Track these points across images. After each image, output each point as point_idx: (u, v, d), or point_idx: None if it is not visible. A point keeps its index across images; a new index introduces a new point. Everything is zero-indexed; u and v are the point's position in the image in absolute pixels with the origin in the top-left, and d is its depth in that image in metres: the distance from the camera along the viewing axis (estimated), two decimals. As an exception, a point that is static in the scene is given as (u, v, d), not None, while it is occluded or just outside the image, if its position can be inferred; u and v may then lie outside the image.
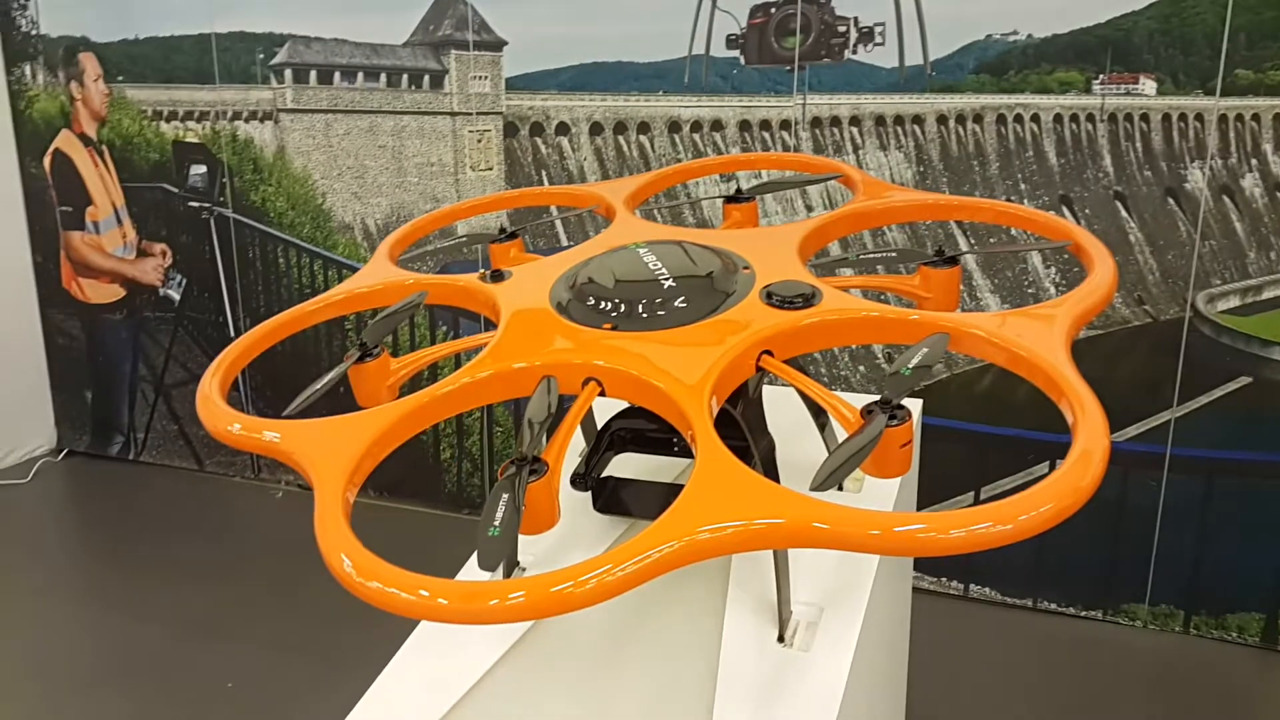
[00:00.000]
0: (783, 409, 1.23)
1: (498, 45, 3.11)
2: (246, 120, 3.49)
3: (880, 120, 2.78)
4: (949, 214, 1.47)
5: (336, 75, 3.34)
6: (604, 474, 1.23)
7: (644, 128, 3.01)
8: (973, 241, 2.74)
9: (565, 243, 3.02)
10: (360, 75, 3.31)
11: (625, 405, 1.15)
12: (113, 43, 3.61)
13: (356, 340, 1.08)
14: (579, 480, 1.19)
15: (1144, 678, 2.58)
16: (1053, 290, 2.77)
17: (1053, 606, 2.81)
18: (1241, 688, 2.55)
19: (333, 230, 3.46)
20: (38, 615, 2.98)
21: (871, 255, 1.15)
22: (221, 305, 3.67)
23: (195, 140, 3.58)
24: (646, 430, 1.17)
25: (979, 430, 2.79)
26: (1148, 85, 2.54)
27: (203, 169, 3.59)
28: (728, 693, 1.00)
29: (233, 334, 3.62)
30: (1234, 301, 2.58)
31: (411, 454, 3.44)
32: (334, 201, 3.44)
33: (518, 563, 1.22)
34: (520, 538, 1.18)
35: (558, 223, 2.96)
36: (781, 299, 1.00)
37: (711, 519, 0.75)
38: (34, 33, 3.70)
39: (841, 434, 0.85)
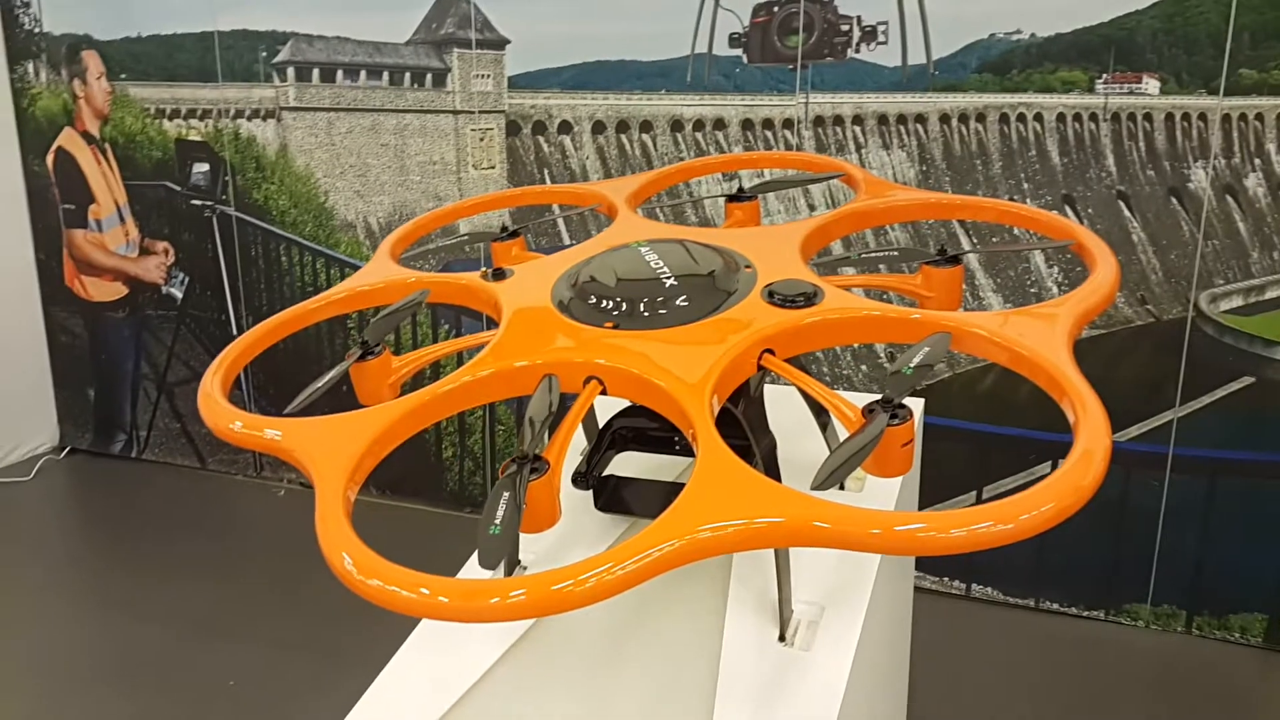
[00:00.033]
0: (785, 408, 1.23)
1: (500, 44, 3.11)
2: (249, 118, 3.49)
3: (883, 119, 2.77)
4: (951, 213, 1.47)
5: (339, 73, 3.34)
6: (605, 472, 1.23)
7: (646, 126, 3.01)
8: (975, 241, 2.74)
9: (568, 241, 3.02)
10: (363, 73, 3.31)
11: (627, 404, 1.15)
12: (115, 40, 3.61)
13: (359, 338, 1.08)
14: (580, 479, 1.19)
15: (1146, 678, 2.58)
16: (1055, 290, 2.77)
17: (1055, 606, 2.81)
18: (1244, 689, 2.54)
19: (335, 229, 3.46)
20: (40, 612, 2.99)
21: (873, 254, 1.15)
22: (224, 303, 3.67)
23: (198, 138, 3.58)
24: (648, 429, 1.17)
25: (981, 430, 2.79)
26: (1151, 85, 2.53)
27: (205, 167, 3.60)
28: (728, 692, 1.00)
29: (235, 332, 3.62)
30: (1237, 301, 2.58)
31: (414, 452, 3.44)
32: (336, 200, 3.44)
33: (519, 561, 1.22)
34: (521, 536, 1.19)
35: (560, 221, 2.96)
36: (783, 298, 1.00)
37: (712, 518, 0.74)
38: (37, 30, 3.71)
39: (843, 433, 0.85)
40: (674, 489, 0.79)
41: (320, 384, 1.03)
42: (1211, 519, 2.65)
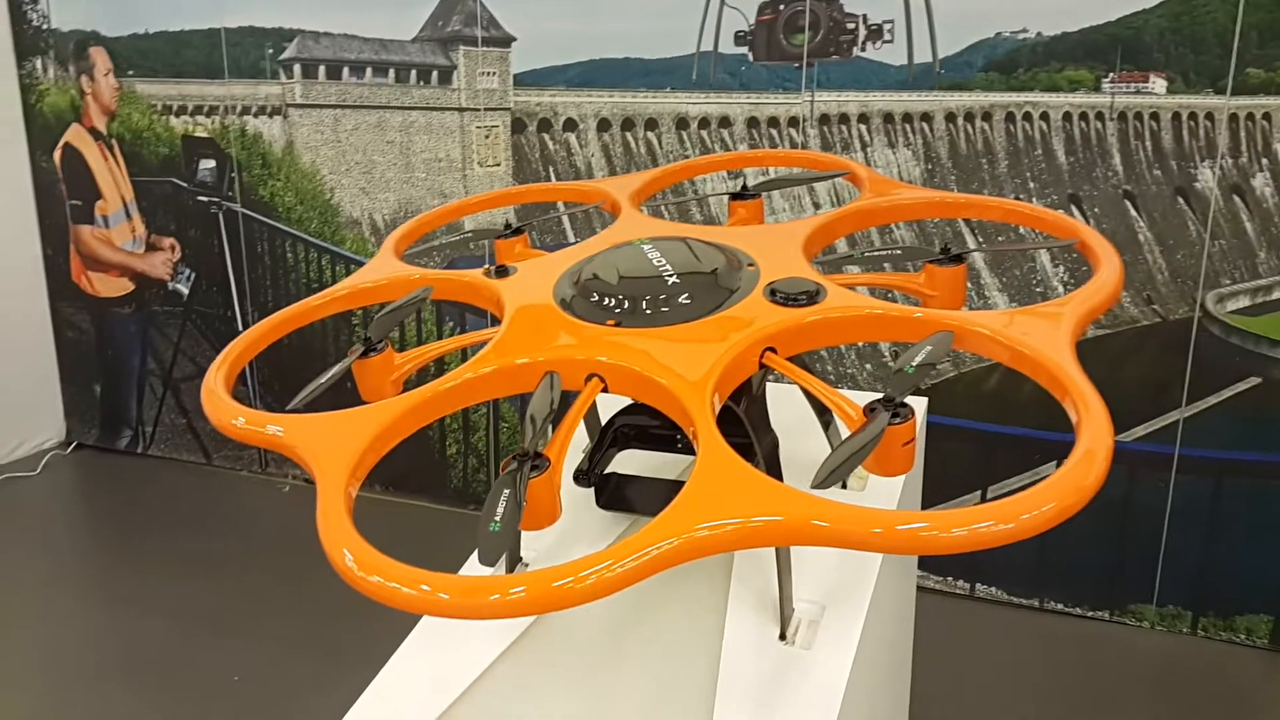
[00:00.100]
0: (788, 406, 1.23)
1: (506, 41, 3.11)
2: (255, 115, 3.50)
3: (889, 118, 2.77)
4: (955, 212, 1.47)
5: (345, 70, 3.34)
6: (607, 470, 1.23)
7: (652, 124, 3.01)
8: (980, 240, 2.73)
9: (572, 239, 3.02)
10: (369, 70, 3.31)
11: (629, 401, 1.15)
12: (123, 37, 3.62)
13: (363, 335, 1.08)
14: (582, 476, 1.19)
15: (1151, 679, 2.57)
16: (1061, 289, 2.76)
17: (1059, 606, 2.80)
18: (1249, 690, 2.53)
19: (340, 225, 3.46)
20: (46, 607, 3.00)
21: (876, 253, 1.14)
22: (230, 299, 3.68)
23: (204, 135, 3.59)
24: (650, 426, 1.17)
25: (986, 429, 2.78)
26: (1158, 84, 2.52)
27: (212, 164, 3.60)
28: (729, 690, 1.00)
29: (240, 328, 3.63)
30: (1244, 301, 2.57)
31: (417, 449, 3.45)
32: (342, 196, 3.44)
33: (520, 558, 1.22)
34: (523, 533, 1.19)
35: (564, 218, 2.96)
36: (785, 296, 1.00)
37: (711, 516, 0.74)
38: (45, 27, 3.72)
39: (845, 432, 0.85)
40: (675, 487, 0.79)
41: (323, 380, 1.03)
42: (1217, 520, 2.65)
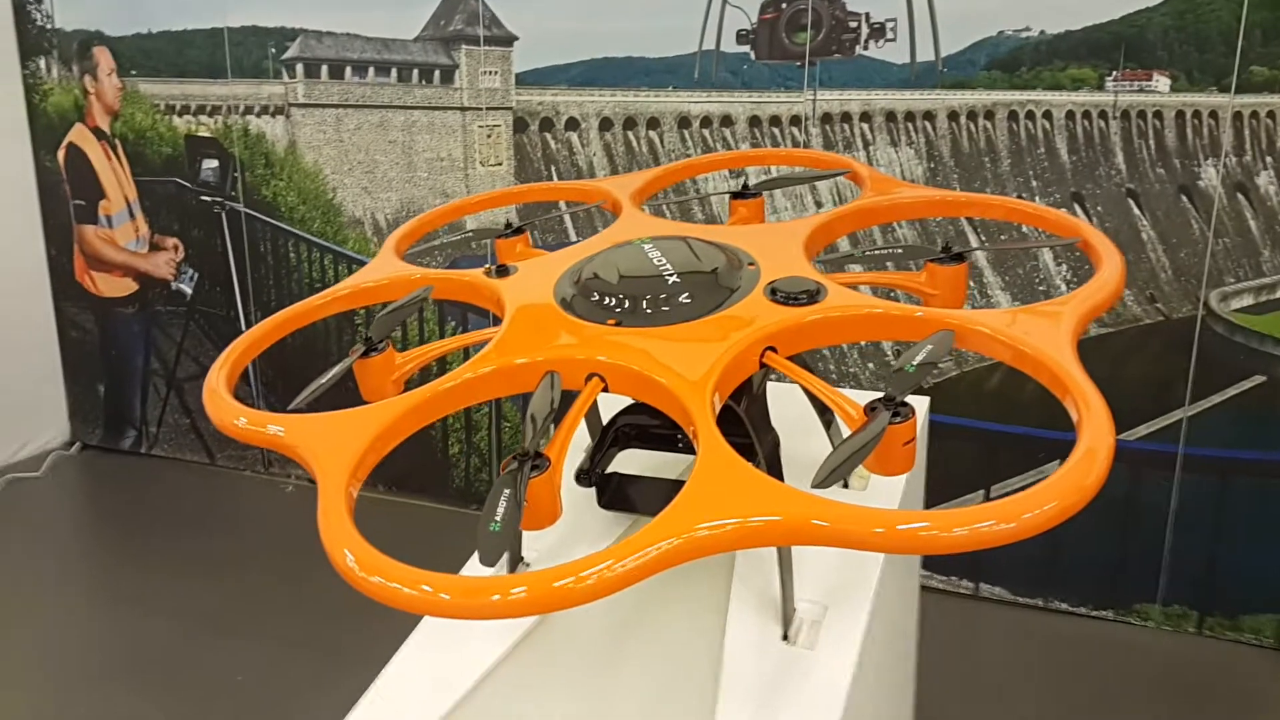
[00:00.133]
0: (790, 405, 1.22)
1: (508, 40, 3.11)
2: (258, 115, 3.50)
3: (891, 116, 2.76)
4: (956, 210, 1.46)
5: (347, 70, 3.35)
6: (608, 470, 1.22)
7: (654, 123, 3.01)
8: (983, 238, 2.73)
9: (574, 238, 3.02)
10: (371, 70, 3.32)
11: (630, 401, 1.14)
12: (126, 37, 3.63)
13: (364, 335, 1.08)
14: (583, 476, 1.19)
15: (1156, 679, 2.57)
16: (1064, 288, 2.76)
17: (1064, 606, 2.80)
18: (1255, 690, 2.53)
19: (343, 225, 3.47)
20: (50, 607, 3.01)
21: (877, 252, 1.14)
22: (233, 299, 3.69)
23: (207, 135, 3.60)
24: (651, 426, 1.17)
25: (989, 428, 2.78)
26: (1161, 82, 2.52)
27: (215, 163, 3.61)
28: (731, 691, 1.00)
29: (244, 328, 3.63)
30: (1248, 300, 2.56)
31: (420, 449, 3.45)
32: (344, 196, 3.45)
33: (522, 558, 1.22)
34: (525, 534, 1.19)
35: (566, 218, 2.96)
36: (786, 295, 1.00)
37: (710, 516, 0.74)
38: (49, 26, 3.72)
39: (847, 431, 0.85)
40: (676, 486, 0.79)
41: (324, 380, 1.03)
42: (1222, 519, 2.64)
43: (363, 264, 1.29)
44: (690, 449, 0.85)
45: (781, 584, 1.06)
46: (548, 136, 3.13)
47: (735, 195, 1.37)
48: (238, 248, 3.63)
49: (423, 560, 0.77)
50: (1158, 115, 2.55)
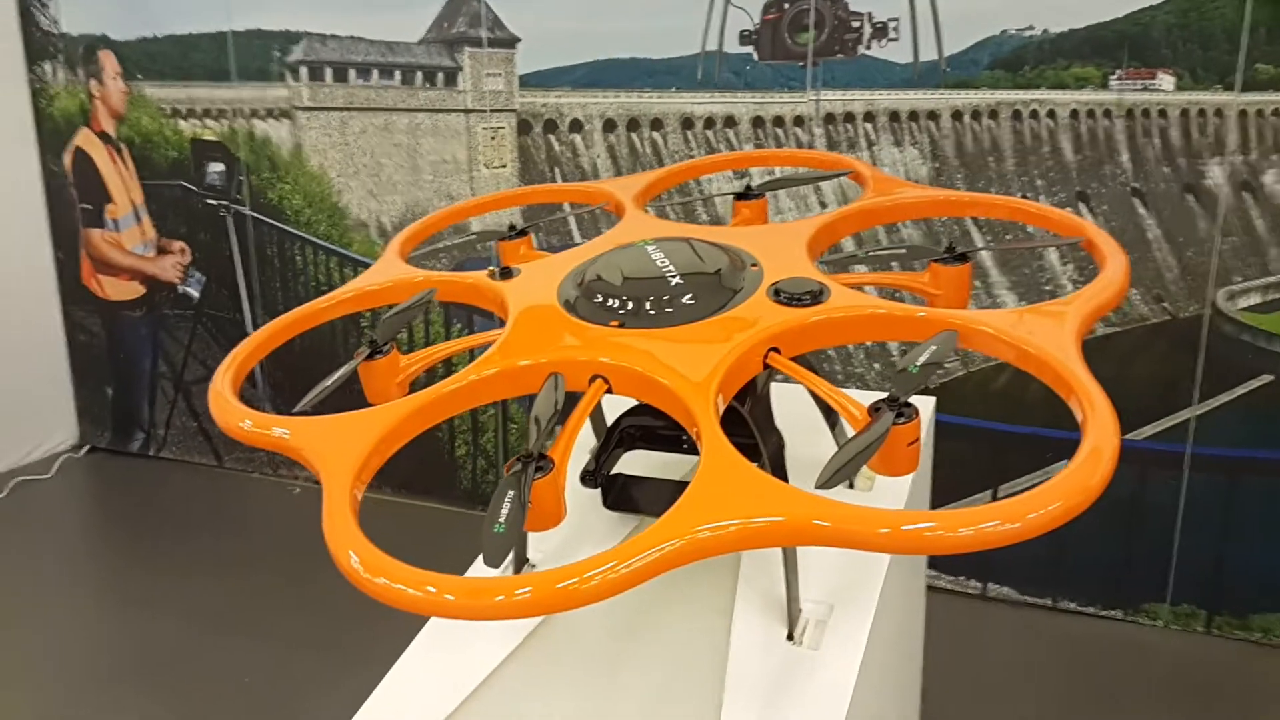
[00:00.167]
0: (797, 406, 1.22)
1: (511, 42, 3.12)
2: (263, 118, 3.51)
3: (894, 116, 2.76)
4: (959, 210, 1.46)
5: (352, 73, 3.35)
6: (613, 471, 1.23)
7: (657, 124, 3.01)
8: (989, 238, 2.73)
9: (579, 240, 3.02)
10: (375, 73, 3.32)
11: (635, 402, 1.15)
12: (131, 41, 3.64)
13: (368, 337, 1.09)
14: (588, 477, 1.19)
15: (1165, 679, 2.56)
16: (1070, 287, 2.75)
17: (1072, 606, 2.79)
18: (1265, 690, 2.52)
19: (348, 228, 3.47)
20: (59, 609, 3.02)
21: (881, 252, 1.14)
22: (239, 302, 3.70)
23: (213, 138, 3.61)
24: (656, 427, 1.17)
25: (996, 428, 2.78)
26: (1166, 80, 2.51)
27: (220, 167, 3.62)
28: (736, 691, 1.00)
29: (250, 331, 3.64)
30: (1255, 299, 2.55)
31: (426, 451, 3.46)
32: (349, 199, 3.46)
33: (527, 559, 1.22)
34: (530, 535, 1.19)
35: (571, 219, 2.96)
36: (789, 296, 1.00)
37: (713, 517, 0.74)
38: (55, 31, 3.74)
39: (852, 432, 0.85)
40: (681, 487, 0.79)
41: (329, 383, 1.04)
42: (1231, 518, 2.63)
43: (368, 266, 1.29)
44: (695, 450, 0.86)
45: (787, 584, 1.06)
46: (551, 138, 3.13)
47: (738, 196, 1.37)
48: (244, 251, 3.64)
49: (430, 561, 0.77)
50: (1162, 114, 2.54)
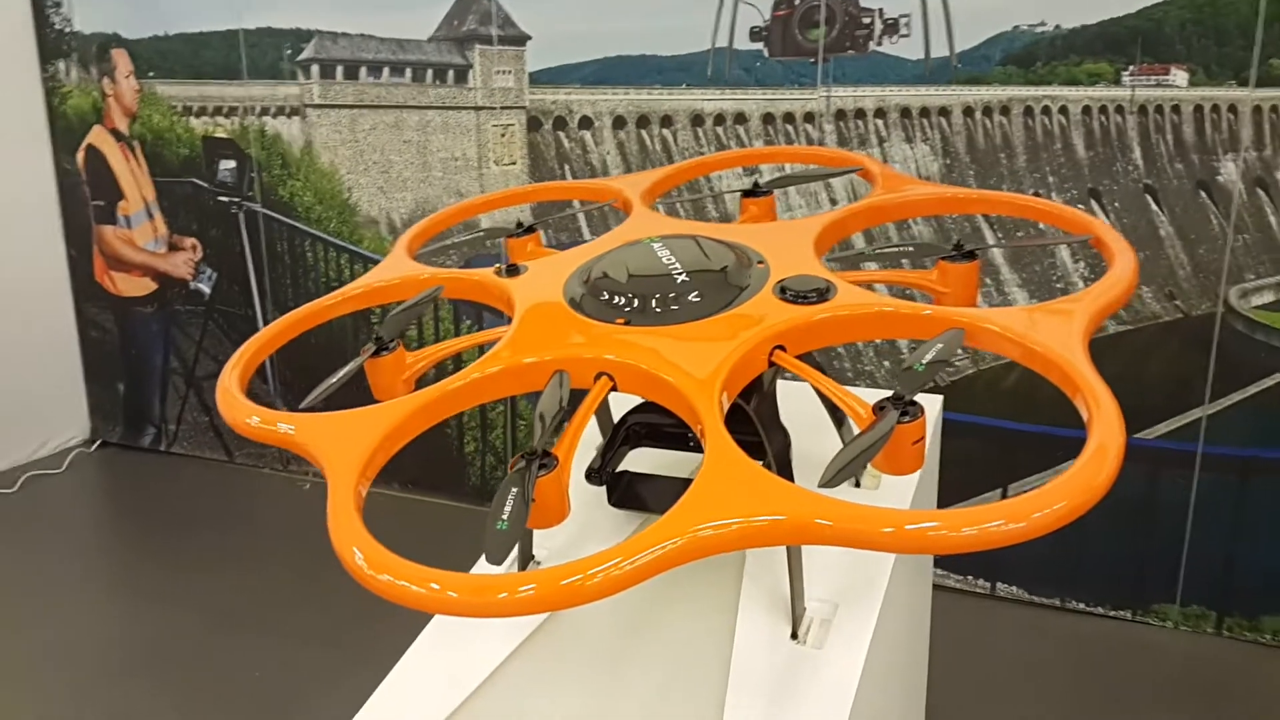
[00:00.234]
0: (804, 404, 1.22)
1: (521, 40, 3.12)
2: (274, 115, 3.52)
3: (906, 112, 2.75)
4: (967, 207, 1.46)
5: (362, 70, 3.36)
6: (619, 468, 1.23)
7: (667, 121, 3.00)
8: (1000, 235, 2.71)
9: (588, 237, 3.02)
10: (386, 70, 3.33)
11: (642, 400, 1.15)
12: (143, 39, 3.66)
13: (376, 334, 1.09)
14: (593, 475, 1.19)
15: (1174, 680, 2.54)
16: (1081, 284, 2.74)
17: (1081, 606, 2.78)
18: (1275, 691, 2.50)
19: (358, 225, 3.48)
20: (70, 603, 3.04)
21: (888, 250, 1.14)
22: (251, 299, 3.71)
23: (224, 135, 3.62)
24: (662, 425, 1.17)
25: (1006, 426, 2.76)
26: (1179, 76, 2.49)
27: (232, 164, 3.63)
28: (739, 689, 1.00)
29: (261, 327, 3.65)
30: (1268, 297, 2.53)
31: (435, 447, 3.46)
32: (360, 196, 3.46)
33: (533, 556, 1.22)
34: (536, 532, 1.19)
35: (580, 216, 2.96)
36: (795, 294, 1.00)
37: (715, 515, 0.74)
38: (67, 30, 3.76)
39: (858, 430, 0.85)
40: (686, 485, 0.79)
41: (335, 379, 1.04)
42: (1242, 518, 2.61)
43: (378, 263, 1.30)
44: (701, 448, 0.85)
45: (791, 582, 1.06)
46: (561, 135, 3.13)
47: (746, 193, 1.37)
48: (255, 247, 3.66)
49: (438, 558, 0.77)
50: (1175, 110, 2.52)
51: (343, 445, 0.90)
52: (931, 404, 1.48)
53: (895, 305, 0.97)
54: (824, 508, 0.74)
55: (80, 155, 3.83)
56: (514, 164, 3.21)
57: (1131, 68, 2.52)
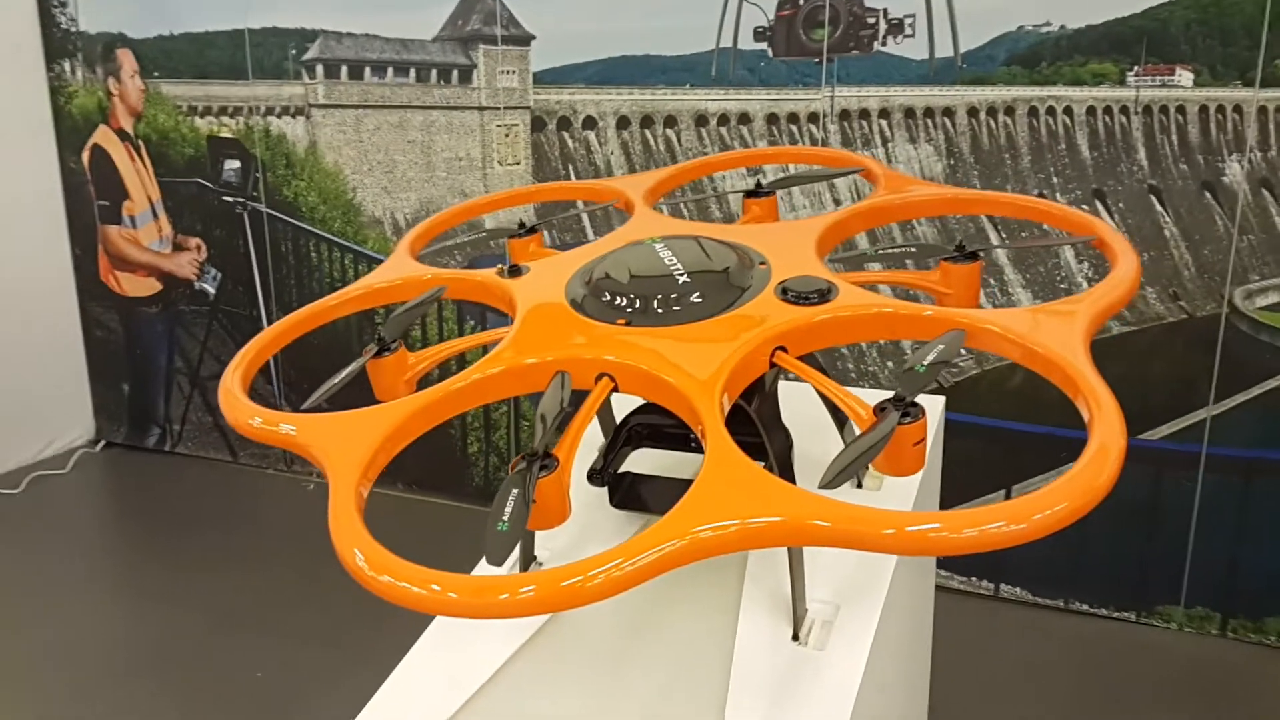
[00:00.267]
0: (806, 405, 1.22)
1: (525, 40, 3.12)
2: (279, 115, 3.53)
3: (910, 113, 2.75)
4: (969, 208, 1.45)
5: (367, 70, 3.36)
6: (622, 469, 1.23)
7: (671, 121, 3.00)
8: (1004, 236, 2.71)
9: (592, 238, 3.02)
10: (390, 70, 3.33)
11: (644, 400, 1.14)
12: (149, 39, 3.66)
13: (378, 335, 1.09)
14: (595, 475, 1.19)
15: (1178, 682, 2.54)
16: (1085, 284, 2.73)
17: (1085, 607, 2.77)
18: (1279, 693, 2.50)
19: (363, 225, 3.49)
20: (75, 603, 3.04)
21: (890, 250, 1.14)
22: (255, 299, 3.72)
23: (229, 135, 3.63)
24: (664, 425, 1.17)
25: (1010, 427, 2.76)
26: (1184, 76, 2.48)
27: (236, 164, 3.64)
28: (740, 690, 1.00)
29: (265, 327, 3.66)
30: (1273, 298, 2.52)
31: (439, 448, 3.47)
32: (364, 196, 3.47)
33: (535, 557, 1.22)
34: (538, 533, 1.19)
35: (584, 217, 2.96)
36: (797, 295, 1.00)
37: (712, 517, 0.74)
38: (73, 30, 3.77)
39: (859, 432, 0.84)
40: (688, 486, 0.79)
41: (336, 380, 1.04)
42: (1246, 520, 2.60)
43: (382, 263, 1.30)
44: (703, 448, 0.85)
45: (792, 584, 1.06)
46: (565, 135, 3.13)
47: (748, 194, 1.36)
48: (260, 247, 3.66)
49: (441, 559, 0.77)
50: (1180, 110, 2.52)
51: (344, 446, 0.90)
52: (934, 405, 1.48)
53: (896, 306, 0.97)
54: (822, 509, 0.74)
55: (85, 155, 3.84)
56: (518, 164, 3.21)
57: (1136, 68, 2.52)
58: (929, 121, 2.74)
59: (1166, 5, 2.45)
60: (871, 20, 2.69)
